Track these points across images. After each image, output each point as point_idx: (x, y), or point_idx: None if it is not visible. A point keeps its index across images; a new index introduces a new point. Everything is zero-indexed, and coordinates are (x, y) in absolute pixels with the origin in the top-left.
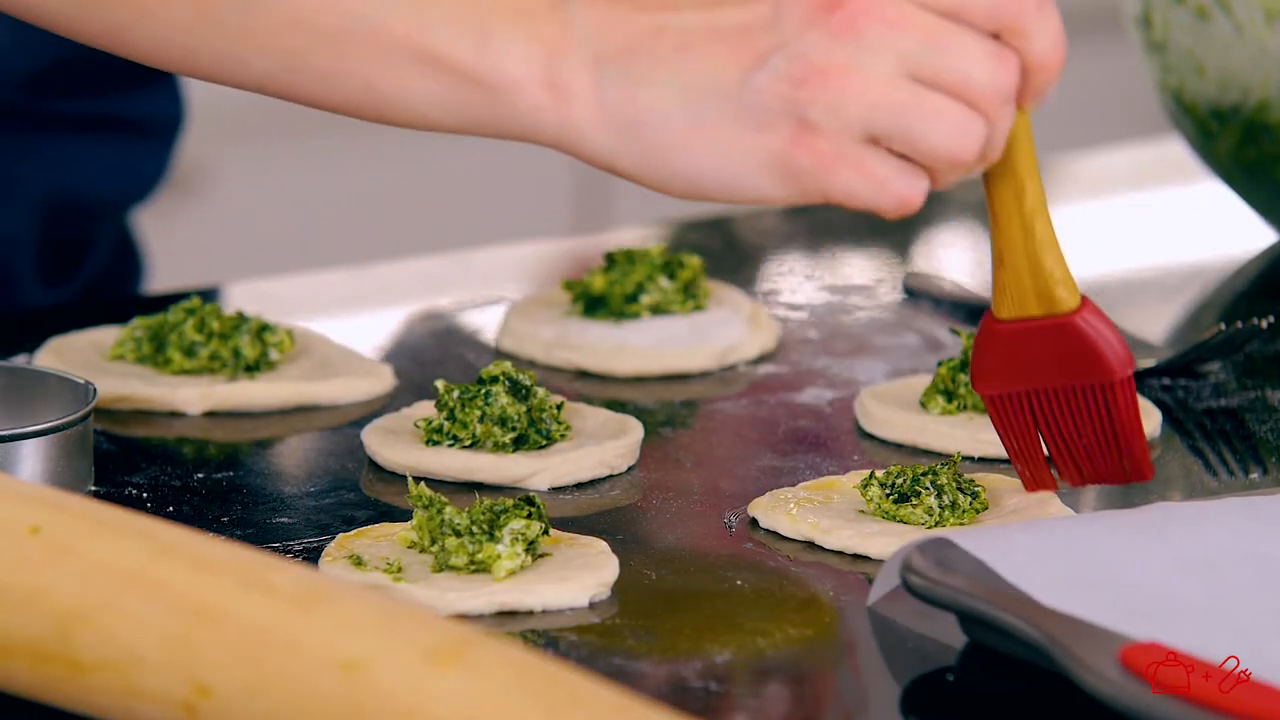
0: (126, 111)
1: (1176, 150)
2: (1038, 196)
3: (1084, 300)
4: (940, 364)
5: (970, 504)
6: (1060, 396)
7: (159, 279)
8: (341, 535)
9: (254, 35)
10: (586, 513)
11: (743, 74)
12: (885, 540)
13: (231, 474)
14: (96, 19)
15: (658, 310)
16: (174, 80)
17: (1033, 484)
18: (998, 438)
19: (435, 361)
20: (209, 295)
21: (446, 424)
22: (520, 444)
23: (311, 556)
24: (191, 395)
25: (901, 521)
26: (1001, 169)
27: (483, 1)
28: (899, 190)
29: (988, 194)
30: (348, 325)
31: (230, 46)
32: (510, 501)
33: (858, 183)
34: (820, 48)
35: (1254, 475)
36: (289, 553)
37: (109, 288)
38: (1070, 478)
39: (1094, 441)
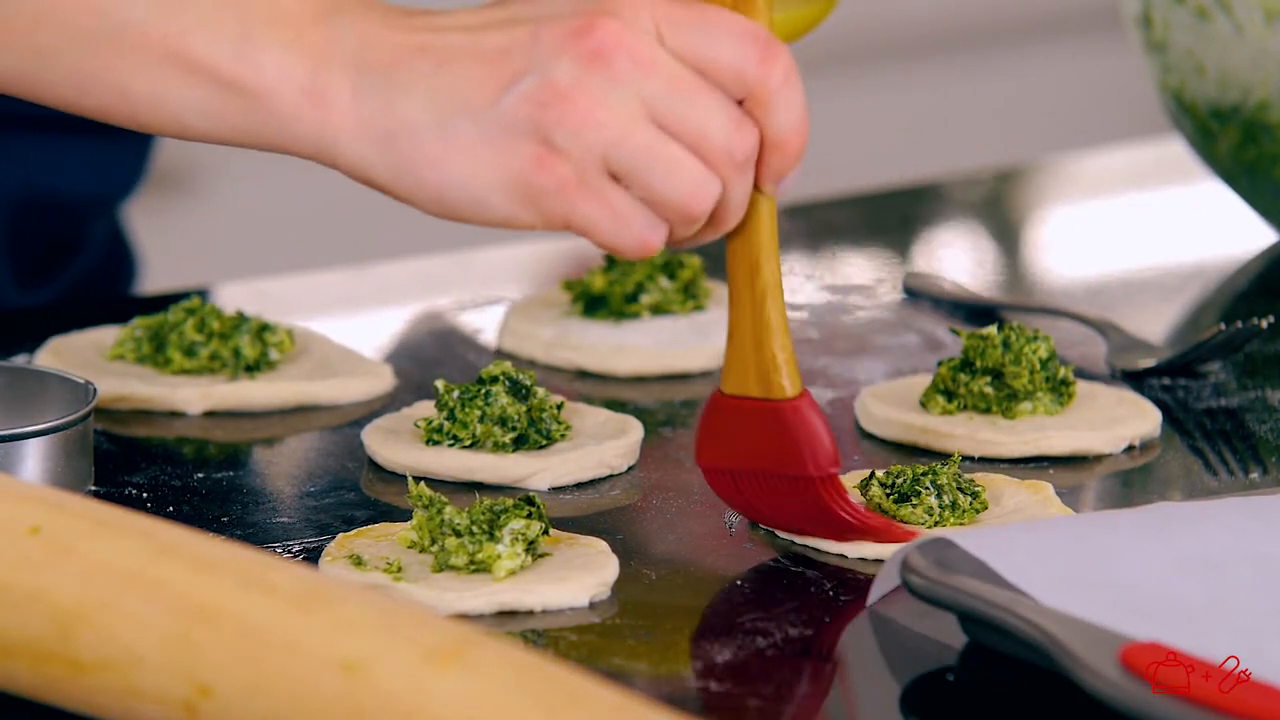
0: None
1: (1177, 150)
2: (772, 278)
3: (804, 393)
4: (940, 364)
5: (970, 504)
6: (769, 482)
7: (158, 279)
8: (341, 535)
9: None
10: (586, 513)
11: (495, 93)
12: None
13: (231, 474)
14: None
15: (658, 310)
16: None
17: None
18: (999, 438)
19: (435, 361)
20: (208, 295)
21: (446, 424)
22: (520, 444)
23: (311, 556)
24: (191, 395)
25: (902, 521)
26: (739, 244)
27: (244, 7)
28: (639, 231)
29: (728, 267)
30: (348, 325)
31: None
32: (510, 501)
33: (599, 215)
34: (569, 73)
35: (1254, 475)
36: (289, 553)
37: (99, 288)
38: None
39: (802, 522)
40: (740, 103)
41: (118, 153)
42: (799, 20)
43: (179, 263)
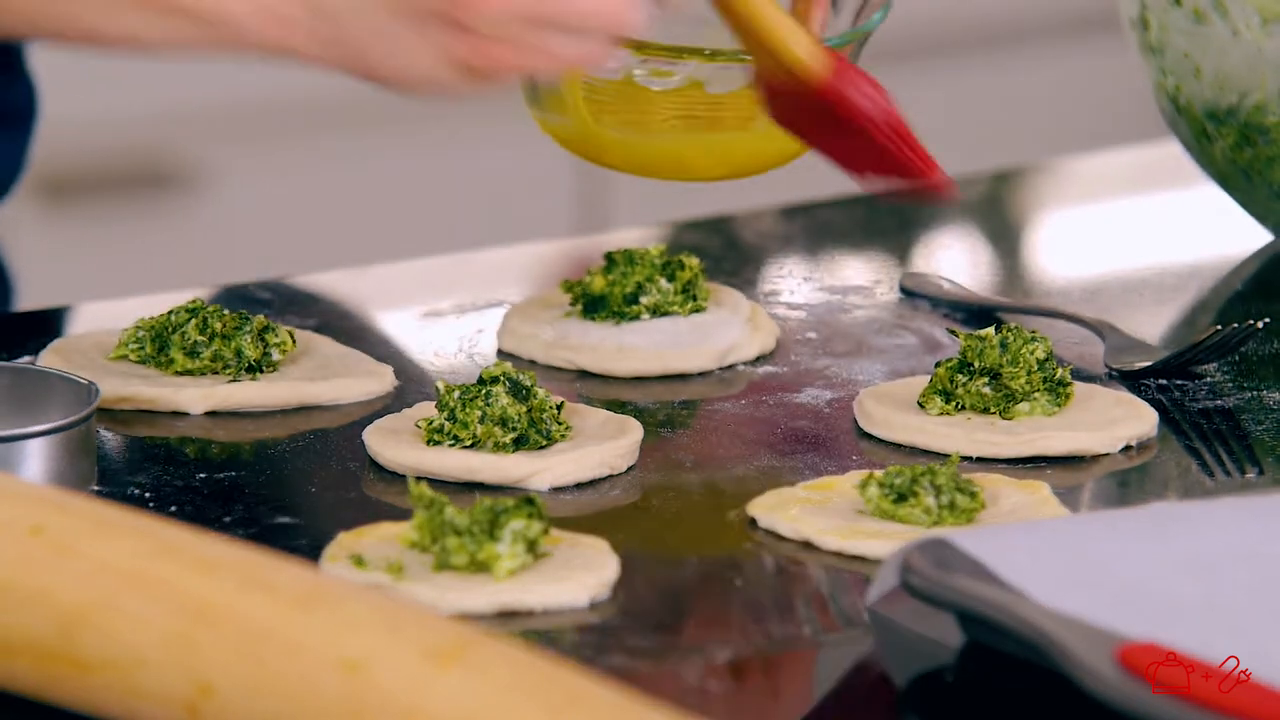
0: None
1: (1173, 152)
2: None
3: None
4: (938, 364)
5: (968, 504)
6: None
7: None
8: (343, 535)
9: None
10: (586, 513)
11: None
12: (884, 540)
13: (233, 474)
14: None
15: (657, 311)
16: (24, 67)
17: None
18: (997, 438)
19: (436, 362)
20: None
21: (447, 424)
22: (520, 444)
23: (313, 556)
24: (194, 395)
25: (900, 521)
26: None
27: None
28: (582, 47)
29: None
30: (348, 325)
31: None
32: (511, 501)
33: (535, 61)
34: None
35: (1250, 475)
36: (290, 552)
37: None
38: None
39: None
40: None
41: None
42: (772, 152)
43: (180, 263)
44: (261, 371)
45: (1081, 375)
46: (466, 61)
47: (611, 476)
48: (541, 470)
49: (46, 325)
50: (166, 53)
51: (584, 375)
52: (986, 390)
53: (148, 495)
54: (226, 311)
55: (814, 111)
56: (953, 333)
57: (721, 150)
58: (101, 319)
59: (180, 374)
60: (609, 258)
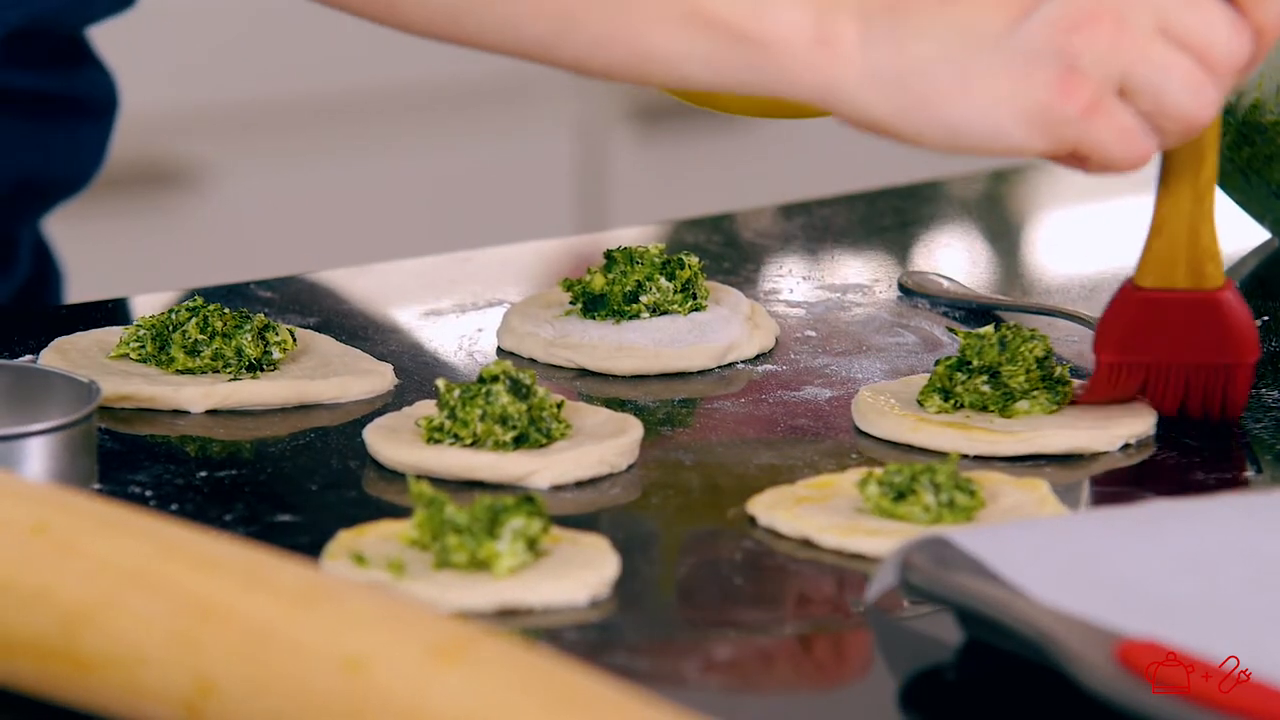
0: (59, 89)
1: None
2: (1214, 170)
3: (1228, 281)
4: (938, 363)
5: (968, 502)
6: (1177, 373)
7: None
8: (343, 533)
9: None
10: (587, 511)
11: (1011, 22)
12: (883, 538)
13: (234, 472)
14: None
15: (657, 309)
16: (96, 57)
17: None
18: (996, 436)
19: (436, 360)
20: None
21: (447, 423)
22: (520, 442)
23: (313, 554)
24: (194, 394)
25: (899, 519)
26: (1189, 141)
27: None
28: (1142, 146)
29: (1165, 161)
30: (349, 324)
31: (505, 11)
32: (511, 500)
33: (1110, 135)
34: None
35: (1249, 474)
36: (291, 551)
37: (32, 299)
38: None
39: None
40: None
41: (77, 138)
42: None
43: (179, 263)
44: (262, 370)
45: (1080, 373)
46: (1060, 115)
47: (611, 475)
48: (541, 468)
49: (48, 324)
50: (700, 77)
51: (584, 374)
52: (985, 388)
53: (148, 494)
54: (227, 310)
55: (1174, 324)
56: (952, 331)
57: None
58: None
59: (181, 372)
60: (609, 256)
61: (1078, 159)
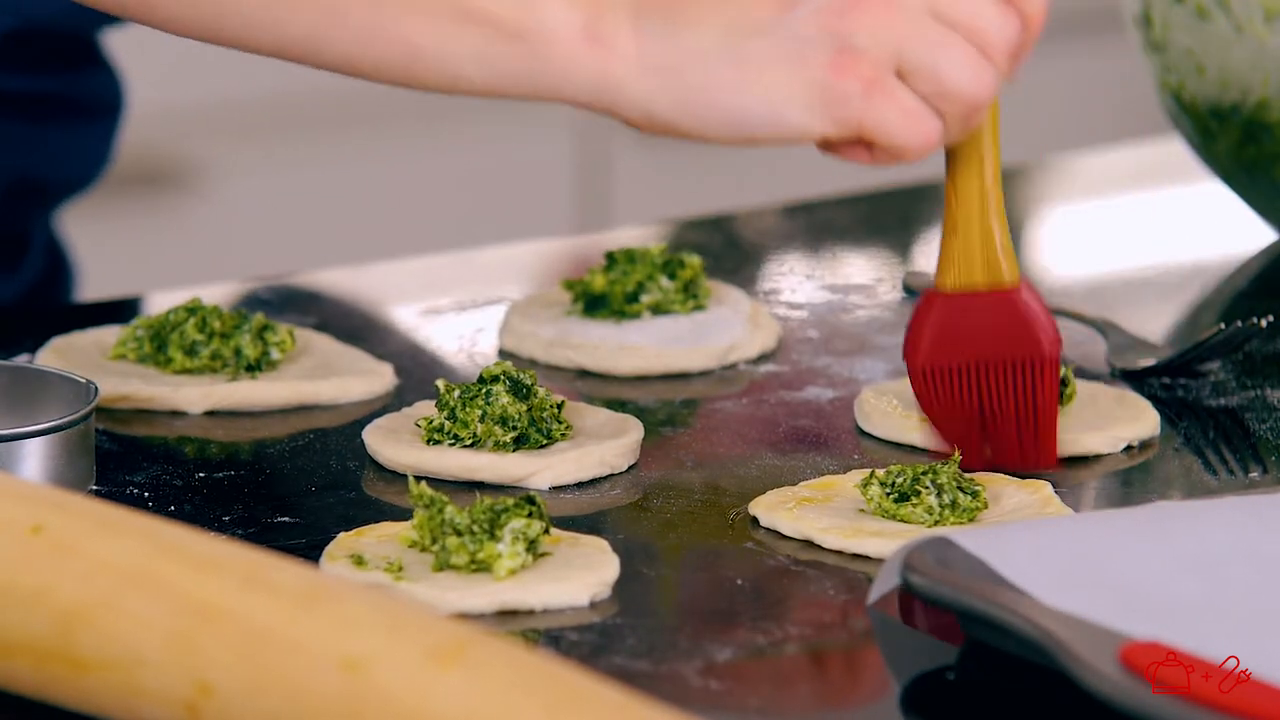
0: (65, 90)
1: (1176, 150)
2: (998, 168)
3: (1023, 279)
4: None
5: (970, 503)
6: (987, 372)
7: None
8: (342, 534)
9: None
10: (587, 512)
11: (783, 8)
12: (886, 539)
13: (233, 473)
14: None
15: (658, 309)
16: (105, 58)
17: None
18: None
19: (436, 361)
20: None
21: (447, 423)
22: (521, 443)
23: (312, 556)
24: (193, 394)
25: (902, 520)
26: (970, 137)
27: None
28: (925, 127)
29: (949, 163)
30: (348, 324)
31: (264, 8)
32: (511, 501)
33: (892, 114)
34: None
35: (1254, 474)
36: (290, 552)
37: (42, 296)
38: (973, 458)
39: (1010, 420)
40: None
41: (84, 138)
42: None
43: (179, 263)
44: (261, 370)
45: (1084, 374)
46: (839, 93)
47: (612, 476)
48: (542, 469)
49: (46, 323)
50: (473, 77)
51: (584, 374)
52: None
53: (147, 495)
54: (225, 310)
55: (977, 324)
56: None
57: None
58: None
59: (179, 373)
60: (610, 256)
61: (864, 146)
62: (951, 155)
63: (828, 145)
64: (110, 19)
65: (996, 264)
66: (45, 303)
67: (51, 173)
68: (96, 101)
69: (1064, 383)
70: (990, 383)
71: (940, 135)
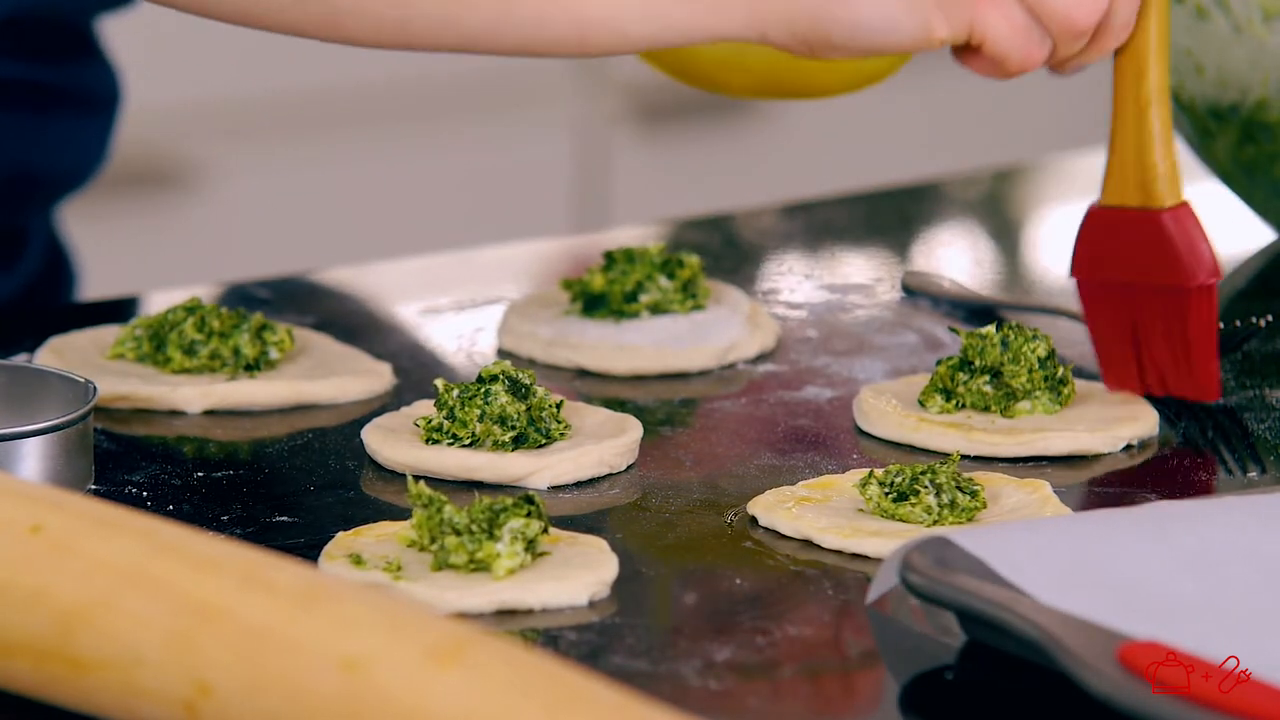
0: (62, 81)
1: (1175, 149)
2: (1158, 85)
3: (1184, 203)
4: (939, 363)
5: (969, 503)
6: (1142, 294)
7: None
8: (341, 534)
9: None
10: (586, 511)
11: None
12: (884, 539)
13: (231, 473)
14: (314, 9)
15: (657, 309)
16: (102, 52)
17: (1112, 382)
18: (997, 437)
19: (435, 360)
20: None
21: (446, 423)
22: (520, 443)
23: (311, 555)
24: (191, 394)
25: (900, 520)
26: (1127, 50)
27: None
28: (1029, 44)
29: (1115, 76)
30: (347, 324)
31: (442, 8)
32: (510, 500)
33: (1001, 25)
34: None
35: (1253, 474)
36: (289, 551)
37: (41, 295)
38: (1140, 383)
39: (1166, 348)
40: None
41: (81, 132)
42: (867, 69)
43: (179, 262)
44: (259, 370)
45: (1083, 374)
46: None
47: (611, 475)
48: (541, 469)
49: (44, 323)
50: (639, 33)
51: (583, 374)
52: (987, 389)
53: (145, 494)
54: (224, 310)
55: (1129, 243)
56: (954, 331)
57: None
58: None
59: (178, 372)
60: (608, 256)
61: (971, 51)
62: (1115, 67)
63: (959, 55)
64: (106, 6)
65: (1152, 186)
66: (44, 300)
67: (48, 166)
68: (93, 94)
69: (1063, 381)
70: (1142, 305)
71: (1045, 56)
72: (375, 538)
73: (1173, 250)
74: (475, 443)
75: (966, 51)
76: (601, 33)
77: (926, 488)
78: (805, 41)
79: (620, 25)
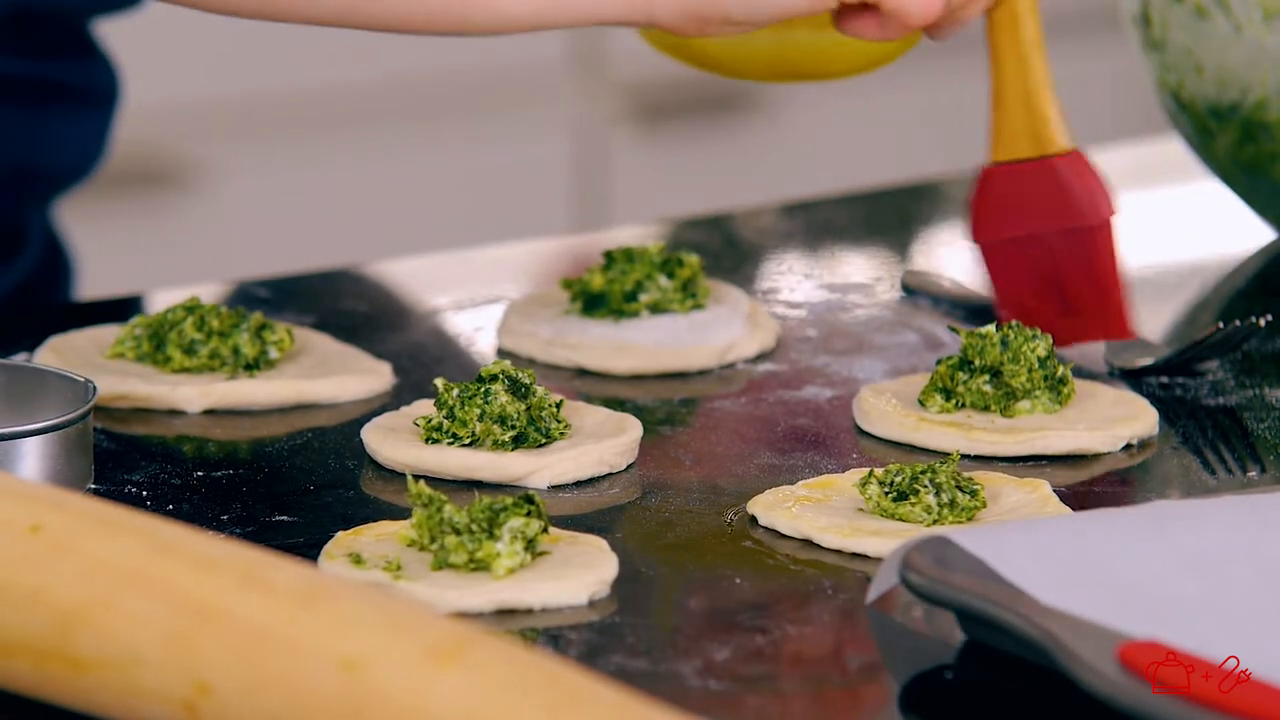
0: (60, 77)
1: (1175, 149)
2: (1034, 34)
3: (1074, 148)
4: (939, 362)
5: (969, 502)
6: (1045, 244)
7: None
8: (341, 533)
9: None
10: (585, 511)
11: None
12: (884, 538)
13: (231, 472)
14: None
15: (657, 309)
16: (99, 48)
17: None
18: (997, 436)
19: (435, 360)
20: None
21: (446, 422)
22: (519, 442)
23: (311, 555)
24: (191, 393)
25: (900, 520)
26: (1001, 5)
27: None
28: None
29: (988, 33)
30: (346, 323)
31: None
32: (509, 500)
33: None
34: None
35: (1252, 474)
36: (289, 551)
37: (39, 291)
38: (1054, 332)
39: (1077, 293)
40: None
41: (79, 127)
42: (875, 51)
43: (179, 262)
44: (259, 369)
45: (1083, 373)
46: None
47: (611, 474)
48: (540, 468)
49: (44, 322)
50: (490, 15)
51: (583, 373)
52: (987, 388)
53: (145, 494)
54: (224, 309)
55: (1028, 195)
56: (953, 330)
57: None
58: (105, 317)
59: (177, 372)
60: (608, 255)
61: (874, 18)
62: (989, 24)
63: (842, 18)
64: (111, 8)
65: (1042, 134)
66: (43, 298)
67: (46, 162)
68: (91, 90)
69: (1062, 381)
70: (1049, 253)
71: (942, 4)
72: (375, 537)
73: (1071, 193)
74: (475, 442)
75: (856, 15)
76: (480, 11)
77: (926, 487)
78: (698, 19)
79: (501, 6)
